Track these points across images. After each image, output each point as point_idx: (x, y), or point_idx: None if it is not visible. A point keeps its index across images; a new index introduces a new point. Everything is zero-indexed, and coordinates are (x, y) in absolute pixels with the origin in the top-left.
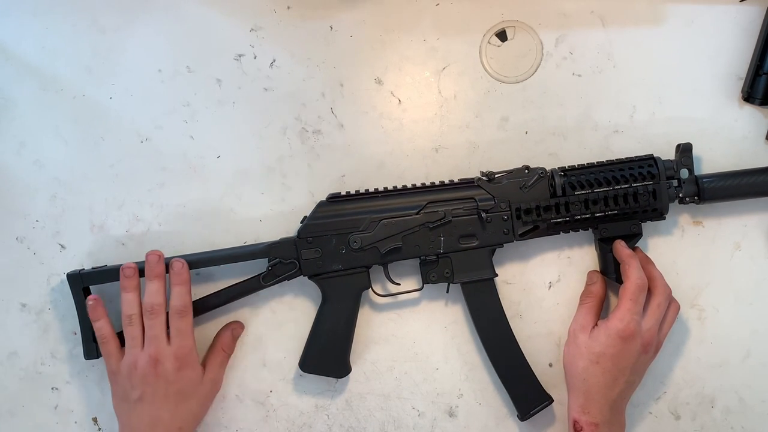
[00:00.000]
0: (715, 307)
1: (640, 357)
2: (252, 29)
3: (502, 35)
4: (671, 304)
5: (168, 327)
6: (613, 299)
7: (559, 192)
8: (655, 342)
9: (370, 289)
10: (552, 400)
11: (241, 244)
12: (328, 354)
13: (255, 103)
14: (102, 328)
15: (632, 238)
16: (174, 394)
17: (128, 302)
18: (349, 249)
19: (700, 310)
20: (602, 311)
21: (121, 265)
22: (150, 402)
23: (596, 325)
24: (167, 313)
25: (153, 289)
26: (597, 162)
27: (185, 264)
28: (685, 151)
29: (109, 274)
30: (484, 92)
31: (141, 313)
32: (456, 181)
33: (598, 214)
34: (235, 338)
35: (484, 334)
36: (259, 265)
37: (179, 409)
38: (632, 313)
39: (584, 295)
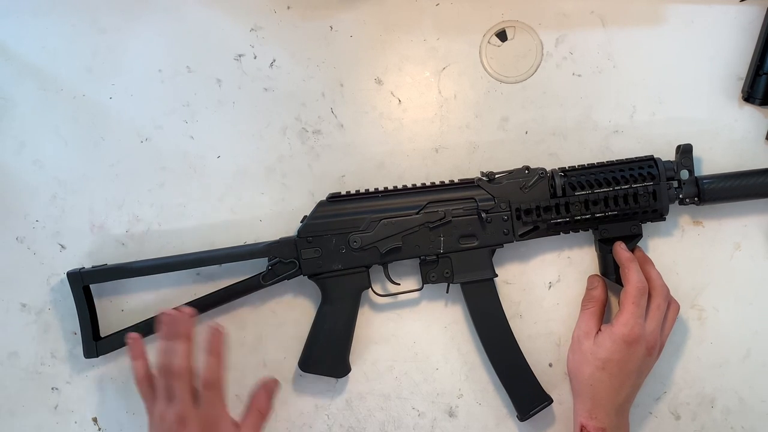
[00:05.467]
0: (715, 307)
1: (644, 360)
2: (252, 29)
3: (502, 35)
4: (671, 305)
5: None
6: (612, 300)
7: (560, 192)
8: (659, 343)
9: (370, 289)
10: (551, 401)
11: (241, 243)
12: (327, 354)
13: (255, 103)
14: (138, 368)
15: (632, 239)
16: None
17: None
18: (349, 249)
19: (700, 310)
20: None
21: (122, 263)
22: None
23: (600, 330)
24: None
25: (182, 352)
26: (597, 162)
27: (222, 335)
28: (685, 152)
29: (109, 273)
30: (484, 92)
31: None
32: (456, 181)
33: (598, 215)
34: (270, 396)
35: (484, 334)
36: (259, 265)
37: None
38: (635, 317)
39: (586, 300)
